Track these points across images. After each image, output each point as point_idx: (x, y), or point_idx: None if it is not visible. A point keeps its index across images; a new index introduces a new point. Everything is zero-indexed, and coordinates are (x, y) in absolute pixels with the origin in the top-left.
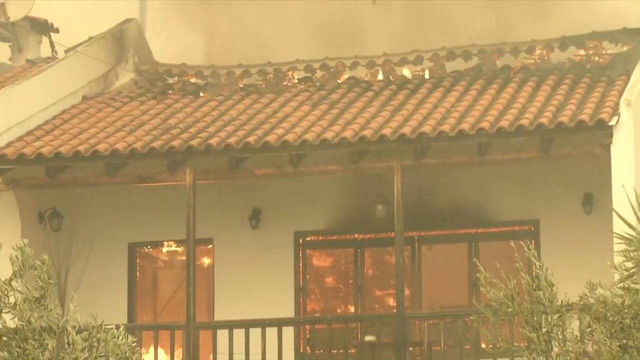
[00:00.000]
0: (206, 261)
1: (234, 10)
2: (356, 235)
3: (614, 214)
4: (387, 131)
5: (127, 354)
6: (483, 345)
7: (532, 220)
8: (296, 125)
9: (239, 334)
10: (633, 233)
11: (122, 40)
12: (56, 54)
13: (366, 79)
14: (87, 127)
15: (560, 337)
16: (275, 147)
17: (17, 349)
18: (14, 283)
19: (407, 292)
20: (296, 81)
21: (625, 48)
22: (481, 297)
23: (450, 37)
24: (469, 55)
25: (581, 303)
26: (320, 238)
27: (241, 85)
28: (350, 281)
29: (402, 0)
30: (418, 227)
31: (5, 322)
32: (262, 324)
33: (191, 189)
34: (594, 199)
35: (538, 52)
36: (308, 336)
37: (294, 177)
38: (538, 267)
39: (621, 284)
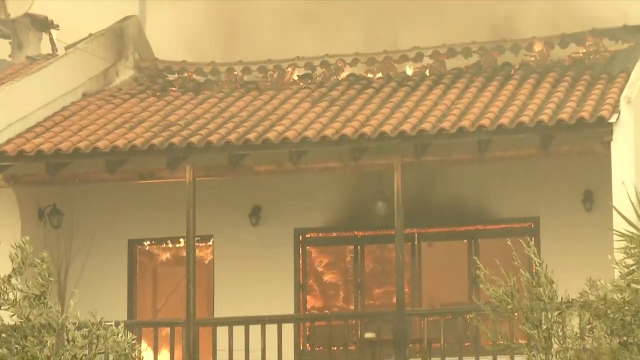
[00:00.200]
0: (206, 258)
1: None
2: (356, 232)
3: (614, 211)
4: (387, 128)
5: (127, 350)
6: (483, 343)
7: (532, 218)
8: (296, 122)
9: (238, 330)
10: (633, 230)
11: (122, 37)
12: (56, 51)
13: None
14: (87, 124)
15: (560, 334)
16: (275, 144)
17: (16, 346)
18: (13, 280)
19: (407, 289)
20: (296, 78)
21: (625, 45)
22: (481, 294)
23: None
24: (469, 52)
25: (581, 300)
26: (320, 235)
27: (241, 82)
28: (350, 278)
29: None
30: (418, 224)
31: (3, 320)
32: (262, 320)
33: (191, 186)
34: (594, 196)
35: (538, 49)
36: (308, 333)
37: (294, 174)
38: (538, 264)
39: (622, 281)
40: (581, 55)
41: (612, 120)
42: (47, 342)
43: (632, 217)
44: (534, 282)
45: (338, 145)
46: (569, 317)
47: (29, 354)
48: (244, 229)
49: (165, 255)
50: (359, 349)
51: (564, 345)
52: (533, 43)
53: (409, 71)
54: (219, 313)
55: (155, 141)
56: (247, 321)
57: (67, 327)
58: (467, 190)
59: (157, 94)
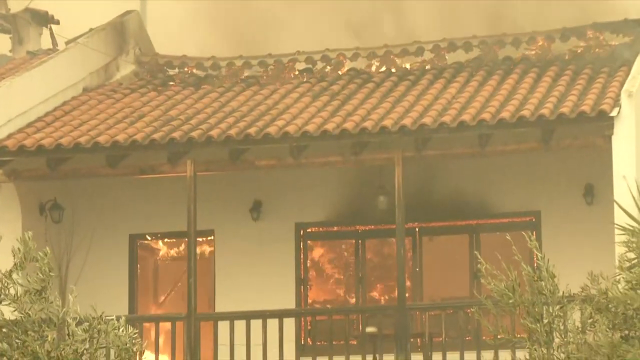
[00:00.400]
0: (207, 253)
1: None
2: (357, 226)
3: (615, 205)
4: (388, 122)
5: (128, 345)
6: (484, 337)
7: (533, 212)
8: (297, 117)
9: (240, 325)
10: (634, 224)
11: (122, 32)
12: (57, 46)
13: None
14: (88, 118)
15: (562, 328)
16: (276, 139)
17: (16, 341)
18: (14, 275)
19: (408, 283)
20: (297, 73)
21: (626, 39)
22: (482, 289)
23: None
24: (469, 47)
25: (582, 294)
26: (321, 229)
27: (242, 77)
28: (351, 272)
29: None
30: (419, 218)
31: (3, 314)
32: (263, 315)
33: (192, 181)
34: (595, 190)
35: (539, 43)
36: (309, 327)
37: (294, 168)
38: (539, 258)
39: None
40: (582, 49)
41: (613, 114)
42: (47, 336)
43: (633, 211)
44: (535, 276)
45: (339, 139)
46: (571, 311)
47: (29, 348)
48: (245, 224)
49: (167, 250)
50: (360, 344)
51: (565, 339)
52: (534, 37)
53: (408, 65)
54: (220, 308)
55: (156, 136)
56: (248, 316)
57: (67, 321)
58: (468, 185)
59: (158, 88)
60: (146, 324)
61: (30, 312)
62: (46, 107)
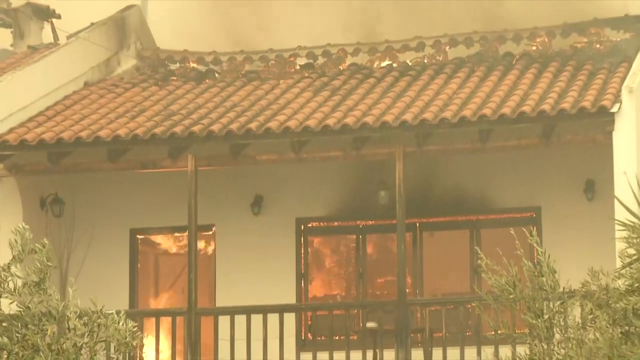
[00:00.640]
0: (208, 247)
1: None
2: (358, 221)
3: (615, 200)
4: (389, 118)
5: (128, 339)
6: (484, 332)
7: (533, 207)
8: (298, 112)
9: (240, 320)
10: (635, 220)
11: (123, 27)
12: (58, 40)
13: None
14: (89, 113)
15: (562, 324)
16: (277, 134)
17: (17, 335)
18: (12, 268)
19: (408, 278)
20: (298, 67)
21: (627, 35)
22: (483, 284)
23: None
24: (470, 42)
25: (583, 290)
26: (322, 224)
27: (243, 72)
28: (351, 268)
29: None
30: (420, 213)
31: (1, 308)
32: (264, 310)
33: (193, 175)
34: (596, 185)
35: (540, 39)
36: (309, 323)
37: (295, 163)
38: (540, 253)
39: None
40: (583, 45)
41: (614, 110)
42: (47, 330)
43: (634, 207)
44: (536, 272)
45: (340, 134)
46: (571, 307)
47: (29, 342)
48: (246, 219)
49: (167, 245)
50: (360, 339)
51: (565, 335)
52: (535, 33)
53: (409, 61)
54: (220, 302)
55: (157, 130)
56: (248, 310)
57: (67, 315)
58: (468, 180)
59: (159, 83)
60: (146, 319)
61: (30, 306)
62: (47, 102)
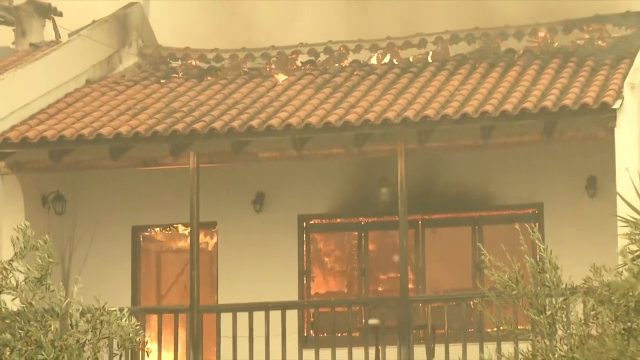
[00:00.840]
0: (210, 244)
1: None
2: (360, 218)
3: (617, 197)
4: (390, 114)
5: (131, 335)
6: (487, 329)
7: (535, 204)
8: (300, 109)
9: (242, 317)
10: (637, 216)
11: (125, 24)
12: (59, 38)
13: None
14: (91, 110)
15: (565, 320)
16: (279, 131)
17: (20, 331)
18: (14, 264)
19: (410, 275)
20: (300, 64)
21: (628, 31)
22: (485, 280)
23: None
24: (472, 39)
25: (585, 286)
26: (324, 221)
27: (245, 69)
28: (354, 264)
29: None
30: (422, 210)
31: (6, 304)
32: (266, 307)
33: (195, 173)
34: (598, 182)
35: (541, 35)
36: (312, 319)
37: (297, 160)
38: (542, 249)
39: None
40: (584, 41)
41: (616, 106)
42: (50, 327)
43: (636, 203)
44: (538, 268)
45: (341, 131)
46: (573, 303)
47: (32, 338)
48: (248, 216)
49: (169, 242)
50: (363, 336)
51: (568, 332)
52: (536, 29)
53: (410, 57)
54: (222, 299)
55: (159, 128)
56: (251, 307)
57: (70, 312)
58: (470, 177)
59: (161, 80)
60: (149, 316)
61: (32, 302)
62: (49, 99)
